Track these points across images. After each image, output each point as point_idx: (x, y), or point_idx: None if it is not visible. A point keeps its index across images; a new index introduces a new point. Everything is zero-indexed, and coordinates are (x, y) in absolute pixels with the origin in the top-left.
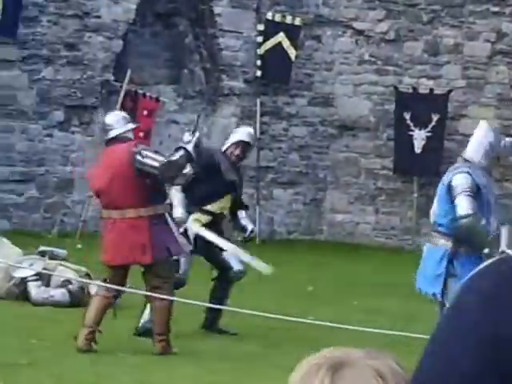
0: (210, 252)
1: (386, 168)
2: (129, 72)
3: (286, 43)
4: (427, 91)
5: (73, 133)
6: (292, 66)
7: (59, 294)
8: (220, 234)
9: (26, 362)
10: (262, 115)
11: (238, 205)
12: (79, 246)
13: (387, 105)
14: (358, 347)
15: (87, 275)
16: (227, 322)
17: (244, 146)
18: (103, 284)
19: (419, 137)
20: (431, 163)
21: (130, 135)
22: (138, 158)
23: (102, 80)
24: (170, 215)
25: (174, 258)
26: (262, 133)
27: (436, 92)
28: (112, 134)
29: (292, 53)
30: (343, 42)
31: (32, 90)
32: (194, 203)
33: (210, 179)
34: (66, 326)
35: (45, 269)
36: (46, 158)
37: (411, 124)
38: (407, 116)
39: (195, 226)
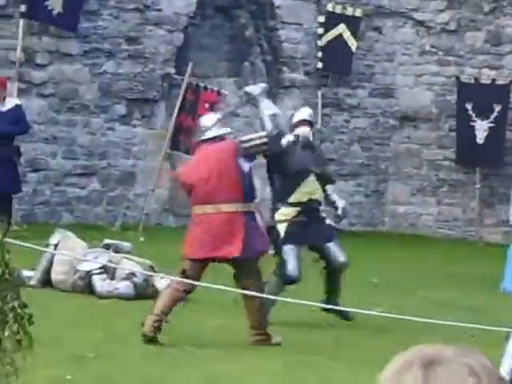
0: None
1: (448, 159)
2: (190, 65)
3: (347, 34)
4: (489, 81)
5: (134, 126)
6: (353, 57)
7: (124, 286)
8: (318, 221)
9: (93, 355)
10: (323, 107)
11: (325, 180)
12: (142, 239)
13: (449, 95)
14: (425, 340)
15: (151, 268)
16: (298, 315)
17: (305, 124)
18: (174, 278)
19: (481, 127)
20: (494, 154)
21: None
22: (243, 145)
23: (163, 73)
24: (260, 213)
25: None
26: (323, 125)
27: (498, 82)
28: (208, 134)
29: (353, 44)
30: (404, 33)
31: (94, 84)
32: (278, 198)
33: (282, 168)
34: (131, 318)
35: (109, 262)
36: (107, 151)
37: (473, 114)
38: (469, 106)
39: (280, 223)
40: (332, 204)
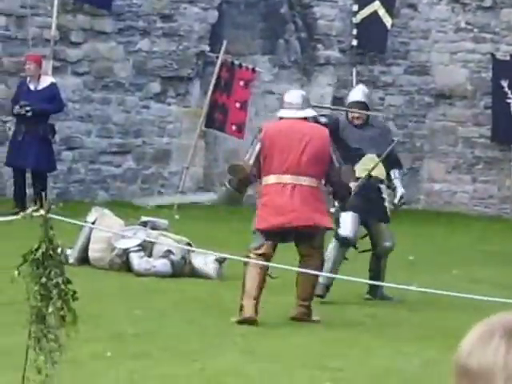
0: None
1: (484, 136)
2: (224, 43)
3: (382, 11)
4: None
5: (169, 104)
6: (388, 34)
7: (161, 264)
8: (377, 199)
9: (132, 333)
10: (358, 84)
11: (390, 163)
12: (177, 216)
13: (484, 73)
14: (464, 316)
15: (189, 245)
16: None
17: (358, 106)
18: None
19: None
20: None
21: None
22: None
23: (197, 51)
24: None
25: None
26: None
27: None
28: (299, 114)
29: (388, 21)
30: (439, 10)
31: (128, 62)
32: None
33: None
34: (169, 296)
35: (147, 239)
36: (142, 129)
37: (509, 92)
38: (505, 84)
39: None
40: (393, 189)
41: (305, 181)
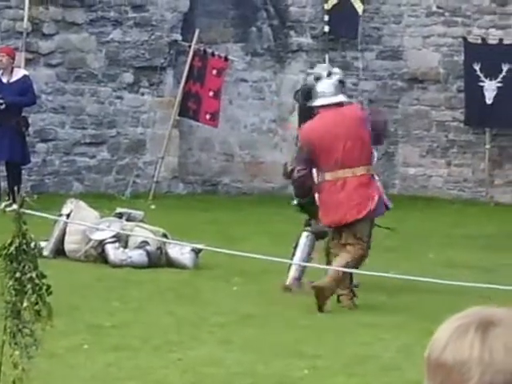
0: None
1: (457, 120)
2: (197, 31)
3: None
4: (496, 41)
5: (142, 94)
6: (359, 19)
7: (137, 255)
8: None
9: (110, 324)
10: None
11: None
12: (153, 206)
13: (456, 56)
14: (441, 300)
15: (164, 236)
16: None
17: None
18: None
19: (490, 87)
20: (503, 114)
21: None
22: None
23: (170, 40)
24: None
25: None
26: None
27: (505, 42)
28: (330, 100)
29: (359, 7)
30: None
31: (101, 53)
32: None
33: None
34: (145, 287)
35: (122, 230)
36: (116, 120)
37: (481, 75)
38: (477, 67)
39: None
40: None
41: (353, 172)
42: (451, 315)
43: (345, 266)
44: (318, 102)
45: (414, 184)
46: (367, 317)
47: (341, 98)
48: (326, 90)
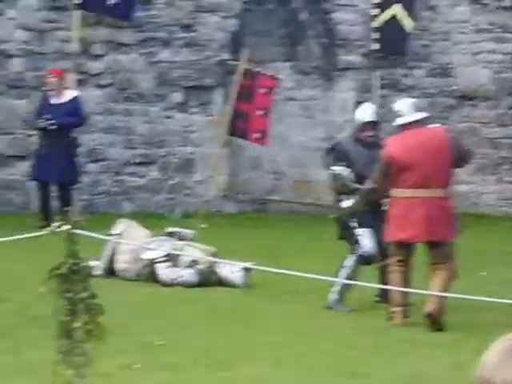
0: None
1: (508, 137)
2: (245, 51)
3: (402, 15)
4: None
5: (192, 113)
6: (408, 37)
7: (188, 274)
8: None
9: (161, 343)
10: (380, 88)
11: None
12: (203, 225)
13: (507, 73)
14: (493, 319)
15: (214, 254)
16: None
17: (372, 125)
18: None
19: None
20: None
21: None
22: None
23: (219, 60)
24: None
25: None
26: (381, 106)
27: None
28: (404, 120)
29: (408, 24)
30: (459, 11)
31: (150, 73)
32: None
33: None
34: (197, 305)
35: (173, 250)
36: (166, 139)
37: None
38: None
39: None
40: None
41: (430, 193)
42: (503, 334)
43: (445, 290)
44: (398, 122)
45: (465, 201)
46: (419, 334)
47: (420, 115)
48: (402, 109)
